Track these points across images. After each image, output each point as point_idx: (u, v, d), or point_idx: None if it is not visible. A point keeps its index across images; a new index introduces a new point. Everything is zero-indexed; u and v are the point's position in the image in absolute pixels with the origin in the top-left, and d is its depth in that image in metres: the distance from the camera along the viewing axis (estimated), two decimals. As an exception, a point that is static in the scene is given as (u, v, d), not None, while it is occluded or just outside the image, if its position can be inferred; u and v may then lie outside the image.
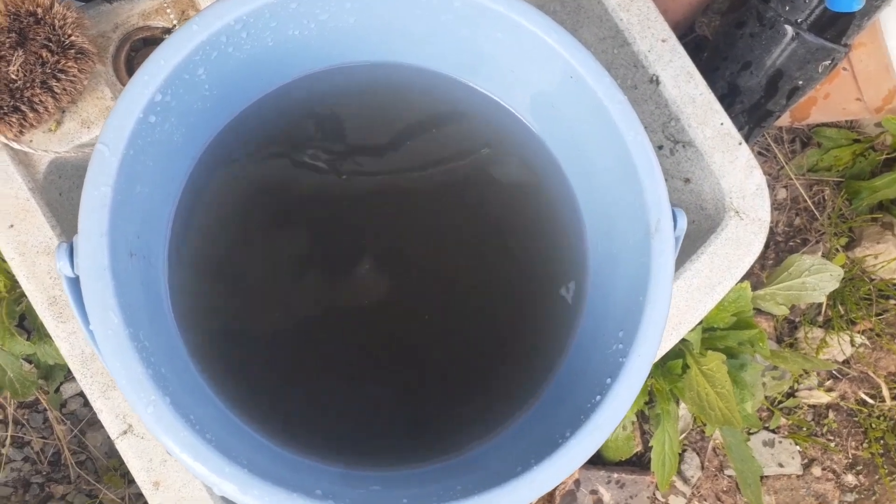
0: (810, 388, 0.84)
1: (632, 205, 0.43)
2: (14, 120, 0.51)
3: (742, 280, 0.63)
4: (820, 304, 0.85)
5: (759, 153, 0.87)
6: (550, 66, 0.43)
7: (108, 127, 0.37)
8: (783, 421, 0.83)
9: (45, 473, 0.70)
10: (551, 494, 0.77)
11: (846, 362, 0.85)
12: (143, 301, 0.40)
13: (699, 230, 0.64)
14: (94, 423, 0.72)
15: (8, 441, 0.68)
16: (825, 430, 0.85)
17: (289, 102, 0.47)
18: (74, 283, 0.39)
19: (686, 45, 0.65)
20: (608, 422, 0.39)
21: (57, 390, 0.70)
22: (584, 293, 0.48)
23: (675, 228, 0.42)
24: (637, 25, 0.62)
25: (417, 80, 0.48)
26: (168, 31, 0.58)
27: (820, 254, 0.83)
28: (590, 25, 0.66)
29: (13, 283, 0.61)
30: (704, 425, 0.81)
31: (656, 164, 0.42)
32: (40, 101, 0.51)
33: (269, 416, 0.45)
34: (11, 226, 0.53)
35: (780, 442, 0.82)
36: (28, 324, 0.68)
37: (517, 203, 0.50)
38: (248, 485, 0.35)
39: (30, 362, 0.67)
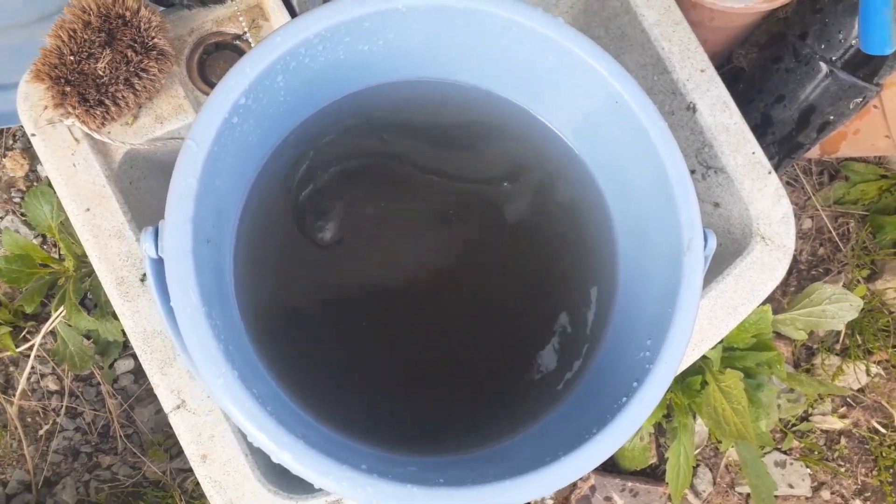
0: (824, 414, 0.86)
1: (666, 224, 0.46)
2: (98, 112, 0.55)
3: (764, 303, 0.65)
4: (838, 333, 0.87)
5: (788, 183, 0.89)
6: (597, 91, 0.47)
7: (197, 125, 0.41)
8: (795, 443, 0.85)
9: (94, 444, 0.74)
10: (566, 498, 0.80)
11: (861, 391, 0.87)
12: (214, 284, 0.44)
13: (726, 253, 0.67)
14: (142, 399, 0.76)
15: (63, 411, 0.72)
16: (836, 455, 0.87)
17: (351, 111, 0.51)
18: (157, 263, 0.43)
19: (723, 76, 0.68)
20: (632, 422, 0.42)
21: (111, 366, 0.74)
22: (614, 303, 0.51)
23: (705, 248, 0.45)
24: (678, 55, 0.66)
25: (472, 99, 0.52)
26: (238, 37, 0.62)
27: (841, 284, 0.86)
28: (632, 52, 0.70)
29: (79, 264, 0.66)
30: (719, 442, 0.83)
31: (691, 188, 0.45)
32: (122, 96, 0.55)
33: (315, 399, 0.49)
34: (88, 209, 0.57)
35: (792, 464, 0.85)
36: (88, 302, 0.73)
37: (557, 216, 0.54)
38: (302, 454, 0.39)
39: (88, 338, 0.71)
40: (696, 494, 0.84)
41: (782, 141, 0.74)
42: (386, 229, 0.53)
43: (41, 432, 0.74)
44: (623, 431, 0.41)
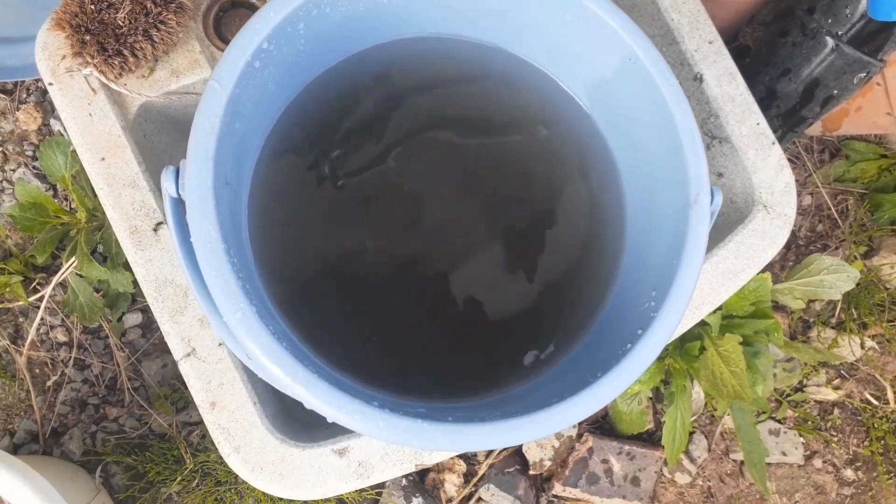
0: (818, 385, 0.88)
1: (674, 178, 0.47)
2: (116, 63, 0.56)
3: (763, 271, 0.67)
4: (834, 306, 0.89)
5: (790, 160, 0.91)
6: (612, 49, 0.48)
7: (221, 66, 0.42)
8: (790, 413, 0.87)
9: (101, 396, 0.75)
10: (564, 460, 0.82)
11: (855, 363, 0.89)
12: (231, 226, 0.45)
13: (728, 221, 0.69)
14: (150, 353, 0.77)
15: (71, 363, 0.73)
16: (829, 425, 0.88)
17: (371, 65, 0.52)
18: (176, 203, 0.44)
19: (729, 53, 0.69)
20: (635, 367, 0.43)
21: (119, 319, 0.75)
22: (622, 257, 0.53)
23: (711, 203, 0.47)
24: (686, 26, 0.67)
25: (485, 55, 0.53)
26: (255, -6, 0.63)
27: (839, 258, 0.87)
28: (642, 23, 0.70)
29: (90, 216, 0.67)
30: (715, 409, 0.85)
31: (700, 143, 0.46)
32: (141, 47, 0.56)
33: (326, 345, 0.50)
34: (103, 159, 0.58)
35: (785, 432, 0.86)
36: (98, 257, 0.74)
37: (565, 172, 0.55)
38: (316, 387, 0.40)
39: (97, 291, 0.72)
40: (692, 460, 0.85)
41: (787, 114, 0.75)
42: (399, 179, 0.54)
43: (49, 383, 0.75)
44: (626, 375, 0.43)
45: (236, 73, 0.42)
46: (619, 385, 0.43)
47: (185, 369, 0.57)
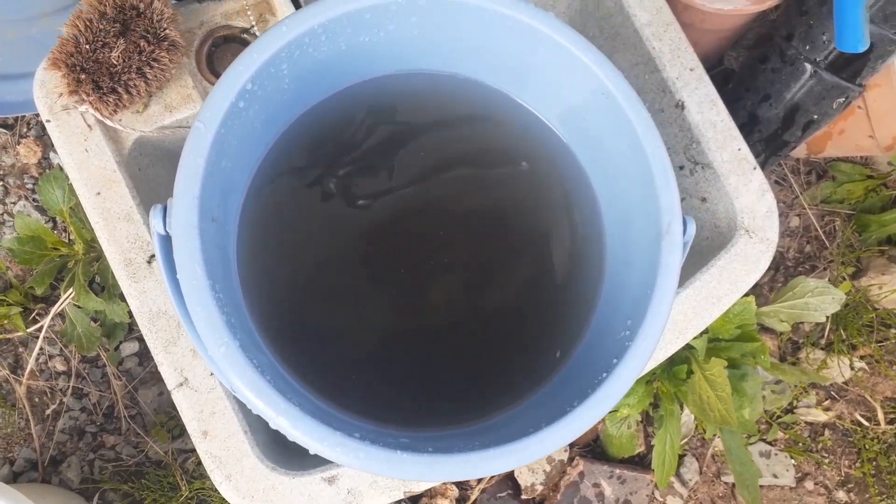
0: (808, 406, 0.88)
1: (647, 209, 0.48)
2: (111, 100, 0.58)
3: (747, 295, 0.68)
4: (823, 328, 0.89)
5: (777, 182, 0.92)
6: (584, 83, 0.49)
7: (206, 107, 0.43)
8: (780, 434, 0.87)
9: (99, 424, 0.76)
10: (556, 484, 0.83)
11: (845, 384, 0.90)
12: (219, 261, 0.46)
13: (711, 246, 0.70)
14: (146, 381, 0.78)
15: (70, 391, 0.75)
16: (820, 447, 0.89)
17: (354, 102, 0.54)
18: (164, 240, 0.46)
19: (714, 77, 0.70)
20: (611, 396, 0.44)
21: (116, 348, 0.77)
22: (601, 289, 0.54)
23: (684, 233, 0.48)
24: (668, 54, 0.68)
25: (465, 90, 0.55)
26: (246, 30, 0.65)
27: (827, 280, 0.88)
28: (624, 51, 0.72)
29: (88, 247, 0.68)
30: (705, 432, 0.85)
31: (671, 174, 0.47)
32: (135, 84, 0.58)
33: (311, 375, 0.51)
34: (98, 193, 0.60)
35: (776, 454, 0.87)
36: (96, 287, 0.75)
37: (547, 205, 0.56)
38: (298, 420, 0.41)
39: (95, 321, 0.74)
40: (683, 483, 0.86)
41: (768, 139, 0.76)
42: (382, 211, 0.55)
43: (48, 412, 0.76)
44: (602, 404, 0.44)
45: (221, 114, 0.44)
46: (595, 414, 0.44)
47: (178, 399, 0.58)
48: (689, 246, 0.50)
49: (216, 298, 0.42)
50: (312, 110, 0.54)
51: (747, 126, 0.76)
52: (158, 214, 0.44)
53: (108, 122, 0.60)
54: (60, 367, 0.76)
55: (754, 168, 0.67)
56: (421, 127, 0.56)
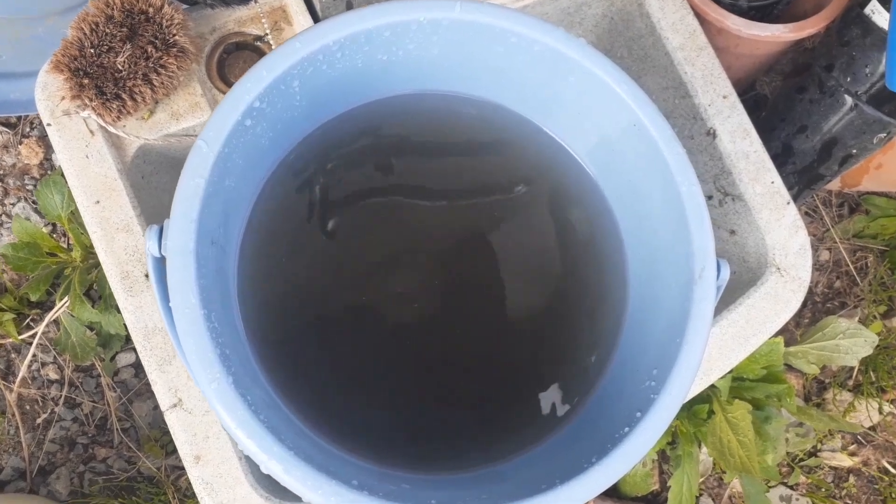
0: (833, 450, 0.84)
1: (678, 251, 0.45)
2: (114, 106, 0.55)
3: (776, 335, 0.64)
4: (851, 369, 0.85)
5: (807, 213, 0.88)
6: (616, 114, 0.46)
7: (210, 126, 0.41)
8: (802, 479, 0.83)
9: (90, 435, 0.74)
10: (564, 521, 0.79)
11: (872, 429, 0.86)
12: (217, 286, 0.43)
13: (739, 282, 0.66)
14: (142, 394, 0.76)
15: (62, 401, 0.72)
16: (844, 493, 0.85)
17: (367, 121, 0.51)
18: (159, 262, 0.43)
19: (745, 102, 0.67)
20: (634, 453, 0.41)
21: (112, 359, 0.74)
22: (621, 330, 0.50)
23: (717, 278, 0.44)
24: (700, 80, 0.65)
25: (489, 115, 0.52)
26: (260, 38, 0.62)
27: (857, 318, 0.84)
28: (654, 74, 0.69)
29: (86, 255, 0.66)
30: (723, 472, 0.82)
31: (706, 217, 0.44)
32: (140, 91, 0.55)
33: (313, 409, 0.48)
34: (98, 202, 0.57)
35: (798, 500, 0.83)
36: (93, 294, 0.73)
37: (568, 237, 0.53)
38: (292, 466, 0.38)
39: (91, 329, 0.71)
40: (697, 525, 0.82)
41: (803, 171, 0.73)
42: (397, 242, 0.52)
43: (39, 421, 0.74)
44: (623, 462, 0.40)
45: (225, 133, 0.41)
46: (616, 472, 0.40)
47: (171, 420, 0.56)
48: (722, 290, 0.47)
49: (210, 329, 0.40)
50: (324, 126, 0.51)
51: (781, 157, 0.73)
52: (154, 236, 0.41)
53: (111, 129, 0.57)
54: (53, 376, 0.74)
55: (788, 203, 0.64)
56: (440, 150, 0.53)
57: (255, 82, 0.41)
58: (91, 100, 0.55)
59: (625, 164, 0.48)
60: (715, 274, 0.44)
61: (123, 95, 0.55)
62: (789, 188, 0.72)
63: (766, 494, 0.70)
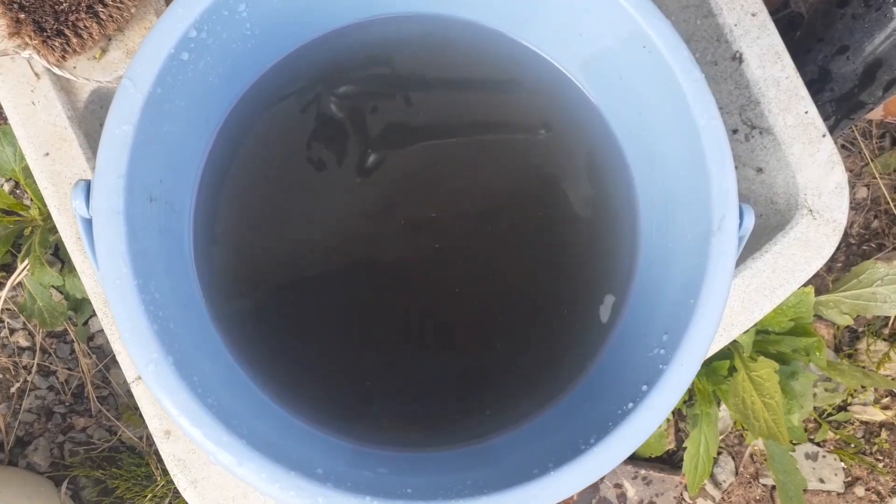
0: (865, 404, 0.78)
1: (695, 196, 0.39)
2: (57, 44, 0.49)
3: (806, 284, 0.58)
4: (887, 317, 0.79)
5: (843, 146, 0.80)
6: (621, 32, 0.39)
7: (135, 62, 0.35)
8: (830, 435, 0.78)
9: (67, 404, 0.70)
10: (574, 481, 0.75)
11: (909, 381, 0.80)
12: (160, 249, 0.38)
13: (766, 225, 0.60)
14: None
15: (34, 369, 0.68)
16: (875, 449, 0.79)
17: (335, 49, 0.44)
18: (89, 224, 0.37)
19: (777, 22, 0.59)
20: (637, 433, 0.35)
21: (85, 323, 0.70)
22: (630, 288, 0.44)
23: (740, 227, 0.38)
24: (725, -5, 0.57)
25: (467, 35, 0.45)
26: (221, -38, 0.55)
27: (895, 262, 0.77)
28: (672, -10, 0.61)
29: (47, 212, 0.61)
30: (745, 429, 0.76)
31: (728, 154, 0.37)
32: (85, 26, 0.49)
33: (282, 379, 0.43)
34: (47, 154, 0.51)
35: (824, 456, 0.78)
36: (64, 255, 0.68)
37: (568, 180, 0.46)
38: (244, 457, 0.34)
39: (61, 292, 0.67)
40: (716, 484, 0.77)
41: (841, 99, 0.65)
42: (374, 187, 0.46)
43: (13, 390, 0.70)
44: (625, 444, 0.35)
45: (155, 70, 0.35)
46: (617, 455, 0.35)
47: (138, 393, 0.51)
48: (746, 240, 0.40)
49: (146, 301, 0.34)
50: (286, 59, 0.45)
51: (817, 83, 0.65)
52: (81, 193, 0.36)
53: (57, 71, 0.51)
54: (24, 343, 0.70)
55: (823, 135, 0.57)
56: (419, 81, 0.46)
57: (187, 6, 0.35)
58: (31, 38, 0.49)
59: (632, 90, 0.41)
60: (737, 223, 0.38)
61: (66, 31, 0.49)
62: (825, 118, 0.64)
63: (791, 454, 0.65)
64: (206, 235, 0.43)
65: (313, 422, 0.42)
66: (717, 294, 0.36)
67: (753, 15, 0.57)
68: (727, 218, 0.37)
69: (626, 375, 0.39)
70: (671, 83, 0.38)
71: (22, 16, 0.48)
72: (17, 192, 0.68)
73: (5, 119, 0.68)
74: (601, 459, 0.35)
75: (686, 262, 0.39)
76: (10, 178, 0.67)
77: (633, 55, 0.39)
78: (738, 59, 0.57)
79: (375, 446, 0.42)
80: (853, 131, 0.80)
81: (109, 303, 0.34)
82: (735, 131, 0.60)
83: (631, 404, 0.36)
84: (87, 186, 0.36)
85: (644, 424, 0.35)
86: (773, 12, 0.68)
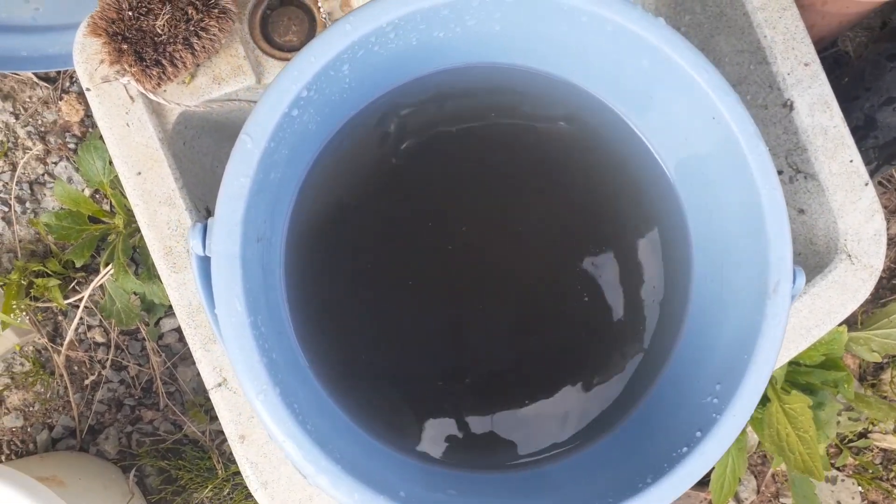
0: (885, 433, 0.82)
1: (751, 259, 0.42)
2: (154, 73, 0.52)
3: (840, 324, 0.61)
4: (913, 349, 0.82)
5: (879, 183, 0.82)
6: (693, 104, 0.42)
7: (253, 120, 0.38)
8: (850, 460, 0.82)
9: (137, 398, 0.75)
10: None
11: (930, 413, 0.83)
12: (262, 285, 0.42)
13: (804, 265, 0.62)
14: (186, 358, 0.76)
15: (108, 363, 0.73)
16: (892, 475, 0.83)
17: (420, 94, 0.48)
18: (204, 262, 0.41)
19: (824, 60, 0.61)
20: (691, 476, 0.39)
21: (157, 324, 0.74)
22: (682, 328, 0.48)
23: (792, 286, 0.41)
24: (781, 45, 0.59)
25: (557, 91, 0.48)
26: (304, -5, 0.58)
27: (925, 299, 0.80)
28: (728, 35, 0.63)
29: (129, 220, 0.64)
30: (771, 455, 0.80)
31: (786, 224, 0.40)
32: (180, 56, 0.52)
33: (366, 405, 0.47)
34: (139, 173, 0.55)
35: (843, 480, 0.81)
36: (137, 257, 0.72)
37: (629, 227, 0.50)
38: (339, 480, 0.37)
39: (135, 293, 0.71)
40: (738, 502, 0.81)
41: (885, 146, 0.67)
42: (459, 220, 0.49)
43: (87, 382, 0.75)
44: (680, 484, 0.39)
45: (271, 127, 0.38)
46: (670, 496, 0.39)
47: (216, 399, 0.55)
48: (796, 298, 0.44)
49: (257, 336, 0.38)
50: (372, 104, 0.48)
51: (861, 129, 0.67)
52: (198, 234, 0.40)
53: (152, 96, 0.54)
54: (100, 339, 0.74)
55: (865, 184, 0.59)
56: (501, 130, 0.49)
57: (302, 71, 0.38)
58: (130, 66, 0.52)
59: (698, 155, 0.44)
60: (791, 286, 0.41)
61: (163, 61, 0.52)
62: (867, 163, 0.67)
63: (811, 479, 0.69)
64: (294, 268, 0.47)
65: (387, 443, 0.46)
66: (770, 352, 0.40)
67: (806, 65, 0.60)
68: (782, 282, 0.40)
69: (681, 417, 0.42)
70: (737, 154, 0.41)
71: (124, 46, 0.52)
72: (96, 196, 0.72)
73: (93, 127, 0.71)
74: (656, 498, 0.39)
75: (740, 317, 0.42)
76: (97, 189, 0.71)
77: (702, 126, 0.42)
78: (788, 106, 0.60)
79: (448, 467, 0.46)
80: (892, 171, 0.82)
81: (223, 337, 0.38)
82: (780, 172, 0.63)
83: (685, 448, 0.40)
84: (203, 228, 0.40)
85: (697, 469, 0.39)
86: (820, 50, 0.70)
